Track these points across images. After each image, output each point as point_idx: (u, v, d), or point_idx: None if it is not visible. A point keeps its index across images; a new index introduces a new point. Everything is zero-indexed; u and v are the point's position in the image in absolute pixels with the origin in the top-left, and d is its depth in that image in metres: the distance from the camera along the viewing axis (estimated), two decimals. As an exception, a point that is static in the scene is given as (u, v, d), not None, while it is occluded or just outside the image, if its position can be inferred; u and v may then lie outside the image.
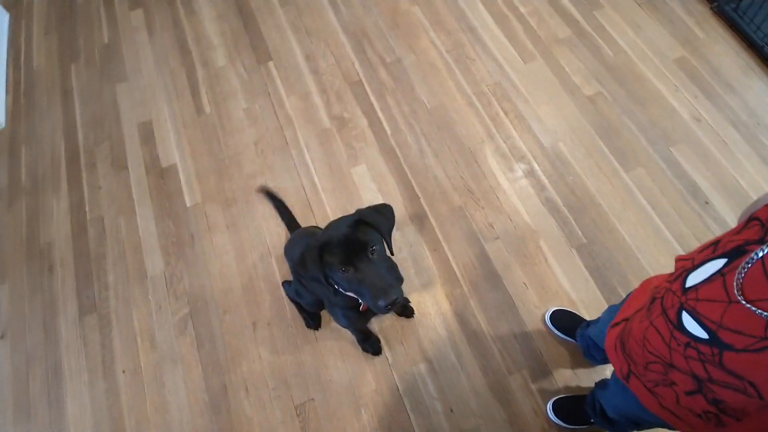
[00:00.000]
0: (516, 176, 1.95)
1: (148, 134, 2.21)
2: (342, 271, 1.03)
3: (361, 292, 1.04)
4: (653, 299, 0.80)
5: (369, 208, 1.14)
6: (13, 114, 2.38)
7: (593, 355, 1.42)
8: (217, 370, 1.72)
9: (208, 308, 1.83)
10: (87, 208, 2.06)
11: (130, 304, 1.86)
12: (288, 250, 1.56)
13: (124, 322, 1.83)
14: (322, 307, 1.59)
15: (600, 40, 2.25)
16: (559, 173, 1.94)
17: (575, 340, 1.59)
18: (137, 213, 2.03)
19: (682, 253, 1.75)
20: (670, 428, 0.87)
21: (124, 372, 1.75)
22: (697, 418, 0.76)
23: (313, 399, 1.65)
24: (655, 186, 1.89)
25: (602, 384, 1.29)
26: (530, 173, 1.96)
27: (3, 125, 2.35)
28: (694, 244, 1.76)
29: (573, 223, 1.84)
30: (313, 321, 1.74)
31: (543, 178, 1.94)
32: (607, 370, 1.59)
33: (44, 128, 2.30)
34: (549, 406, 1.53)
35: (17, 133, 2.31)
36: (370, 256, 1.03)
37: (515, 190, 1.93)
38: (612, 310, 1.19)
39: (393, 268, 1.27)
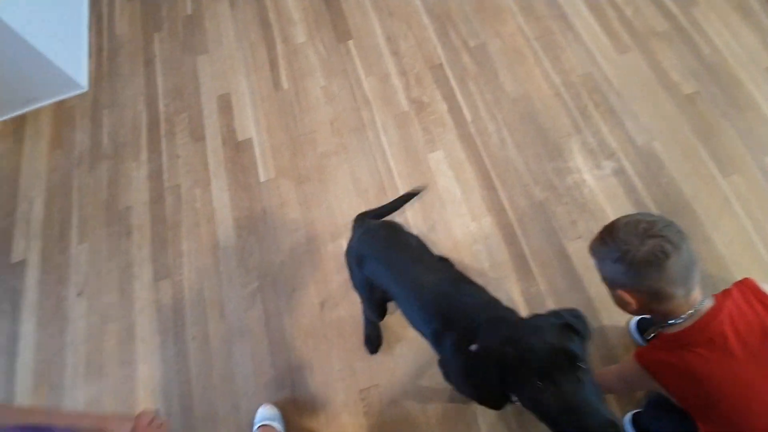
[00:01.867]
0: (604, 174, 1.84)
1: (225, 107, 2.22)
2: (537, 386, 0.81)
3: (557, 420, 0.81)
4: None
5: (566, 310, 0.96)
6: (96, 78, 2.45)
7: None
8: (284, 347, 1.72)
9: (277, 284, 1.82)
10: (165, 176, 2.10)
11: (201, 274, 1.88)
12: (358, 247, 1.30)
13: (196, 290, 1.85)
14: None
15: (697, 37, 2.08)
16: (652, 174, 1.82)
17: None
18: (212, 184, 2.04)
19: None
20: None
21: (193, 339, 1.77)
22: None
23: (377, 385, 1.62)
24: (752, 195, 1.74)
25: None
26: (620, 172, 1.84)
27: (86, 88, 2.42)
28: (803, 262, 1.61)
29: (665, 228, 1.72)
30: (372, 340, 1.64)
31: (634, 178, 1.82)
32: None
33: (126, 95, 2.35)
34: (627, 419, 1.44)
35: (100, 98, 2.38)
36: (580, 375, 0.81)
37: (602, 189, 1.82)
38: None
39: (598, 392, 0.85)
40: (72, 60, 2.41)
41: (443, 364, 1.12)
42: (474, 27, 2.20)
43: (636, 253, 0.93)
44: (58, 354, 1.84)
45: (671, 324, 0.99)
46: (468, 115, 2.02)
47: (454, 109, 2.04)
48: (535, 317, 0.94)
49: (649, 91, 1.97)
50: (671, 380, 1.00)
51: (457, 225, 1.83)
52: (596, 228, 1.72)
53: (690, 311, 0.97)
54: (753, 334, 0.94)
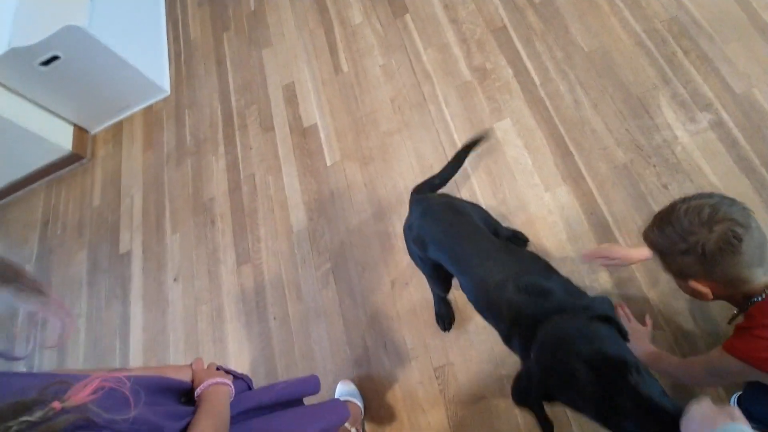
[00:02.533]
0: (699, 128, 1.62)
1: (290, 95, 2.29)
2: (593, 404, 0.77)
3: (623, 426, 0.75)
4: None
5: (600, 298, 0.92)
6: (176, 82, 2.65)
7: None
8: (358, 326, 1.76)
9: (348, 265, 1.86)
10: (241, 167, 2.23)
11: (278, 257, 1.98)
12: (418, 229, 1.23)
13: (274, 273, 1.96)
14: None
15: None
16: (755, 125, 1.56)
17: None
18: (283, 171, 2.13)
19: None
20: None
21: (275, 319, 1.88)
22: None
23: (452, 363, 1.60)
24: None
25: None
26: (718, 125, 1.60)
27: (169, 93, 2.63)
28: None
29: (776, 185, 1.47)
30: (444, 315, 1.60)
31: (734, 130, 1.58)
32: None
33: (203, 94, 2.52)
34: (733, 399, 1.28)
35: (181, 99, 2.58)
36: (634, 380, 0.74)
37: (698, 145, 1.60)
38: None
39: (654, 385, 0.77)
40: (155, 67, 2.62)
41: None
42: (539, -19, 2.03)
43: (706, 242, 0.85)
44: (162, 333, 2.06)
45: (754, 302, 0.89)
46: (536, 78, 1.88)
47: (521, 73, 1.91)
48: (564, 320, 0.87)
49: (743, 33, 1.68)
50: None
51: (529, 197, 1.72)
52: (692, 190, 1.54)
53: (765, 292, 0.88)
54: None
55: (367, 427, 1.61)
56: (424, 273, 1.40)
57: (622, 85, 1.76)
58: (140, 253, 2.25)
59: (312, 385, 1.23)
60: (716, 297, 0.94)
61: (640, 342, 1.29)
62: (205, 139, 2.39)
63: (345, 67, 2.23)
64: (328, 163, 2.06)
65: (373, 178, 1.96)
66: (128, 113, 2.66)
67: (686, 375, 1.18)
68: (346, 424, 1.48)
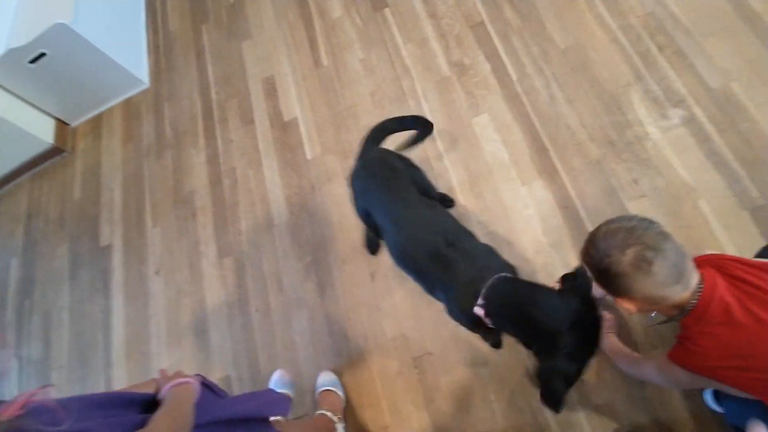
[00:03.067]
0: (671, 124, 1.66)
1: (271, 89, 2.28)
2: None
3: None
4: None
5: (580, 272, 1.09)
6: (155, 74, 2.62)
7: None
8: (338, 317, 1.79)
9: (329, 257, 1.89)
10: (221, 160, 2.23)
11: (260, 250, 1.99)
12: (357, 180, 1.40)
13: (256, 266, 1.97)
14: None
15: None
16: (730, 120, 1.61)
17: None
18: (264, 164, 2.14)
19: None
20: None
21: (257, 311, 1.90)
22: None
23: (431, 353, 1.64)
24: None
25: None
26: (690, 120, 1.65)
27: (148, 85, 2.60)
28: None
29: (746, 179, 1.52)
30: None
31: (707, 125, 1.63)
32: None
33: (182, 87, 2.50)
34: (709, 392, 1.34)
35: (160, 92, 2.55)
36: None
37: (669, 141, 1.65)
38: None
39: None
40: (134, 59, 2.59)
41: (450, 312, 1.29)
42: (517, -25, 2.05)
43: (619, 264, 0.90)
44: (144, 326, 2.07)
45: (686, 312, 0.95)
46: (513, 74, 1.91)
47: (498, 69, 1.94)
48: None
49: (726, 24, 1.73)
50: (716, 361, 0.94)
51: (506, 191, 1.76)
52: (662, 185, 1.59)
53: (693, 301, 0.94)
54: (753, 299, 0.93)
55: (348, 415, 1.65)
56: (355, 209, 1.51)
57: (597, 81, 1.80)
58: (121, 246, 2.25)
59: (284, 407, 1.25)
60: (641, 311, 1.00)
61: (605, 332, 1.34)
62: (185, 131, 2.37)
63: (325, 61, 2.23)
64: (309, 157, 2.07)
65: (354, 171, 1.97)
66: (107, 106, 2.63)
67: (640, 374, 1.24)
68: (328, 413, 1.52)
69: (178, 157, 2.33)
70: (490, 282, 1.11)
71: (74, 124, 2.67)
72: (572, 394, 1.45)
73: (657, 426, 1.37)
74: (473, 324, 1.23)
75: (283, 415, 1.20)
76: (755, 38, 1.68)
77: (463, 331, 1.62)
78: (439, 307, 1.65)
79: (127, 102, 2.60)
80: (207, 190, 2.19)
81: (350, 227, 1.89)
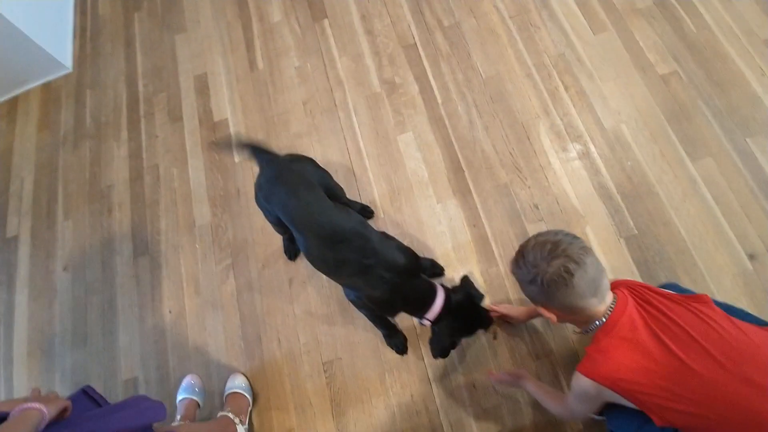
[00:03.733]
0: (569, 157, 1.85)
1: (202, 87, 2.26)
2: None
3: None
4: None
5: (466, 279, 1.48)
6: (79, 59, 2.50)
7: None
8: (254, 320, 1.81)
9: (249, 261, 1.91)
10: (144, 156, 2.17)
11: (178, 250, 1.97)
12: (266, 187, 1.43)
13: (173, 266, 1.95)
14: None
15: (682, 13, 2.02)
16: (617, 157, 1.82)
17: None
18: (189, 164, 2.11)
19: (741, 252, 1.62)
20: None
21: (170, 312, 1.88)
22: None
23: (340, 358, 1.71)
24: (724, 179, 1.74)
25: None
26: (585, 155, 1.85)
27: (70, 69, 2.47)
28: (758, 246, 1.62)
29: (625, 211, 1.74)
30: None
31: (598, 161, 1.83)
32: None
33: (108, 75, 2.40)
34: None
35: (83, 78, 2.44)
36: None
37: (566, 172, 1.84)
38: None
39: None
40: (57, 42, 2.46)
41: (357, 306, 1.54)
42: (449, 5, 2.18)
43: (545, 275, 1.00)
44: (48, 323, 1.97)
45: (597, 325, 1.06)
46: (439, 97, 2.03)
47: (426, 90, 2.05)
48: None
49: (622, 71, 1.95)
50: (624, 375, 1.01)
51: (423, 206, 1.87)
52: (557, 211, 1.77)
53: (605, 315, 1.04)
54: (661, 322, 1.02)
55: (255, 417, 1.68)
56: (268, 221, 1.60)
57: (511, 111, 1.96)
58: (28, 239, 2.12)
59: (161, 413, 1.22)
60: (561, 320, 1.11)
61: (525, 380, 1.43)
62: (106, 122, 2.29)
63: (260, 65, 2.24)
64: (237, 160, 2.08)
65: (280, 178, 2.00)
66: (25, 88, 2.47)
67: (556, 403, 1.31)
68: (230, 415, 1.55)
69: (97, 148, 2.24)
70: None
71: (-13, 104, 2.49)
72: (464, 398, 1.58)
73: (536, 427, 1.52)
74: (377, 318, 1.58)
75: (161, 420, 1.21)
76: (644, 87, 1.91)
77: (373, 339, 1.71)
78: (352, 314, 1.75)
79: (47, 86, 2.46)
80: (126, 185, 2.13)
81: (272, 233, 1.91)
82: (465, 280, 1.48)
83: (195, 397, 1.67)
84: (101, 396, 1.13)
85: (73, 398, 1.05)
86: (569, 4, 2.10)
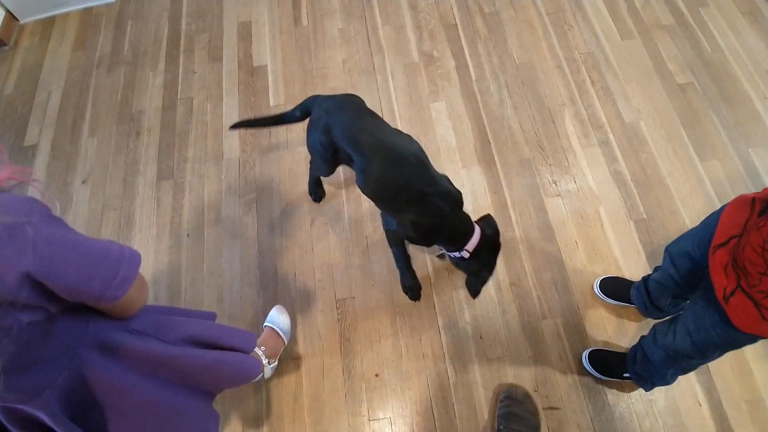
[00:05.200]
0: (590, 143, 1.98)
1: (245, 33, 2.32)
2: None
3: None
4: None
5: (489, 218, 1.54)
6: (124, -7, 2.54)
7: (657, 305, 1.45)
8: (271, 253, 1.84)
9: (273, 198, 1.94)
10: (179, 88, 2.20)
11: (203, 179, 1.99)
12: (326, 119, 1.42)
13: (196, 193, 1.97)
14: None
15: (701, 35, 2.22)
16: (634, 149, 1.95)
17: (626, 303, 1.62)
18: (224, 101, 2.15)
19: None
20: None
21: (188, 236, 1.89)
22: None
23: (354, 297, 1.75)
24: (727, 181, 1.88)
25: (650, 334, 1.34)
26: (604, 143, 1.97)
27: (113, 0, 2.51)
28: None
29: (637, 197, 1.86)
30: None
31: (616, 150, 1.96)
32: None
33: (151, 10, 2.45)
34: (585, 354, 1.58)
35: (126, 9, 2.47)
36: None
37: (586, 156, 1.95)
38: (680, 248, 1.23)
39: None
40: (104, -30, 2.49)
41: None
42: (492, -6, 2.32)
43: None
44: (57, 234, 1.95)
45: None
46: (473, 74, 2.14)
47: (461, 67, 2.16)
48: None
49: (644, 76, 2.11)
50: None
51: (448, 169, 1.95)
52: (574, 190, 1.88)
53: None
54: None
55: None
56: (319, 156, 1.54)
57: (539, 96, 2.08)
58: (48, 150, 2.11)
59: (250, 342, 1.20)
60: None
61: None
62: (144, 52, 2.32)
63: (305, 22, 2.33)
64: (272, 104, 2.13)
65: (313, 125, 2.06)
66: (64, 10, 2.48)
67: None
68: (261, 352, 1.49)
69: (132, 75, 2.26)
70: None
71: (24, 21, 2.49)
72: (470, 347, 1.64)
73: (535, 379, 1.58)
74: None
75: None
76: (663, 91, 2.07)
77: (388, 284, 1.75)
78: (370, 258, 1.79)
79: (88, 11, 2.48)
80: (158, 112, 2.15)
81: (300, 174, 1.97)
82: (489, 217, 1.55)
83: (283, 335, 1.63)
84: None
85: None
86: (602, 10, 2.27)
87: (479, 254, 1.43)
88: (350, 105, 1.45)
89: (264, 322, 1.65)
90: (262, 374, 1.50)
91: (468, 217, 1.46)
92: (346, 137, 1.38)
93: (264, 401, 1.59)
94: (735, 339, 1.00)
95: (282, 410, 1.57)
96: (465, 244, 1.41)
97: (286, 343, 1.64)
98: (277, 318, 1.65)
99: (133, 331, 0.89)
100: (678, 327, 1.17)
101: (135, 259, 0.78)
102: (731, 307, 0.92)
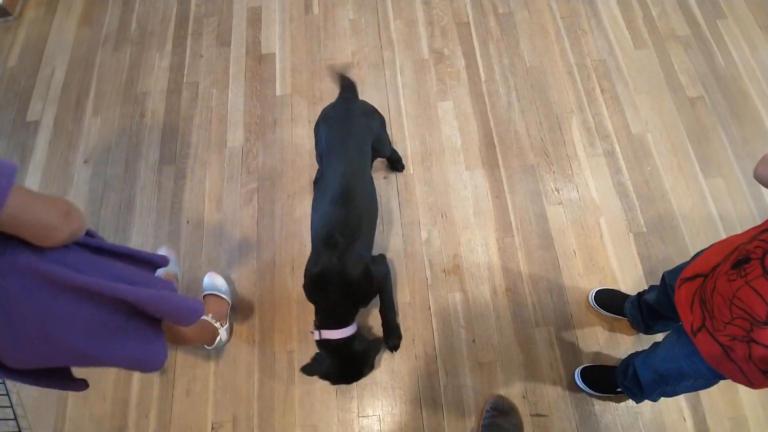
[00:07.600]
0: (595, 152, 1.97)
1: (255, 19, 2.29)
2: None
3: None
4: (746, 259, 0.83)
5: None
6: (134, -31, 2.49)
7: (647, 323, 1.46)
8: (270, 244, 1.84)
9: (275, 189, 1.94)
10: (185, 71, 2.18)
11: (205, 167, 1.98)
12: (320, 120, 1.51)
13: (198, 180, 1.96)
14: None
15: (716, 48, 2.19)
16: (639, 161, 1.95)
17: (620, 316, 1.63)
18: (230, 88, 2.13)
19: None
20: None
21: (188, 222, 1.89)
22: (763, 374, 0.81)
23: (350, 294, 1.75)
24: (730, 199, 1.88)
25: (642, 351, 1.35)
26: (610, 153, 1.97)
27: (123, -23, 2.46)
28: (753, 263, 1.76)
29: (638, 210, 1.86)
30: None
31: (621, 161, 1.95)
32: (644, 343, 1.63)
33: (161, -11, 2.41)
34: (577, 372, 1.59)
35: (135, -13, 2.43)
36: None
37: (590, 165, 1.95)
38: (675, 277, 1.23)
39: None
40: (114, -56, 2.44)
41: None
42: (507, -6, 2.29)
43: None
44: (57, 213, 1.94)
45: None
46: (483, 75, 2.12)
47: (471, 67, 2.14)
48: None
49: (655, 87, 2.09)
50: None
51: (451, 170, 1.95)
52: (576, 199, 1.87)
53: None
54: None
55: (257, 334, 1.69)
56: (316, 150, 1.61)
57: (548, 101, 2.07)
58: (50, 126, 2.10)
59: (196, 310, 1.04)
60: None
61: None
62: (152, 32, 2.29)
63: (316, 10, 2.29)
64: (278, 93, 2.11)
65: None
66: (70, -18, 2.45)
67: None
68: (210, 318, 1.57)
69: (138, 55, 2.24)
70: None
71: (27, -9, 2.45)
72: (462, 350, 1.65)
73: (525, 386, 1.60)
74: None
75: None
76: (673, 104, 2.05)
77: (385, 281, 1.76)
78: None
79: (94, -14, 2.45)
80: (162, 95, 2.13)
81: (303, 167, 1.96)
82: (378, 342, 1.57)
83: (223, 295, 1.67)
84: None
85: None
86: (617, 17, 2.24)
87: (325, 350, 1.40)
88: (351, 128, 1.45)
89: (201, 294, 1.68)
90: (219, 337, 1.59)
91: (355, 307, 1.42)
92: (324, 150, 1.46)
93: (255, 392, 1.60)
94: (702, 373, 1.00)
95: (273, 403, 1.59)
96: (326, 327, 1.37)
97: (230, 302, 1.69)
98: (212, 283, 1.69)
99: (46, 257, 0.79)
100: (657, 351, 1.19)
101: (5, 169, 0.65)
102: (699, 341, 0.93)
